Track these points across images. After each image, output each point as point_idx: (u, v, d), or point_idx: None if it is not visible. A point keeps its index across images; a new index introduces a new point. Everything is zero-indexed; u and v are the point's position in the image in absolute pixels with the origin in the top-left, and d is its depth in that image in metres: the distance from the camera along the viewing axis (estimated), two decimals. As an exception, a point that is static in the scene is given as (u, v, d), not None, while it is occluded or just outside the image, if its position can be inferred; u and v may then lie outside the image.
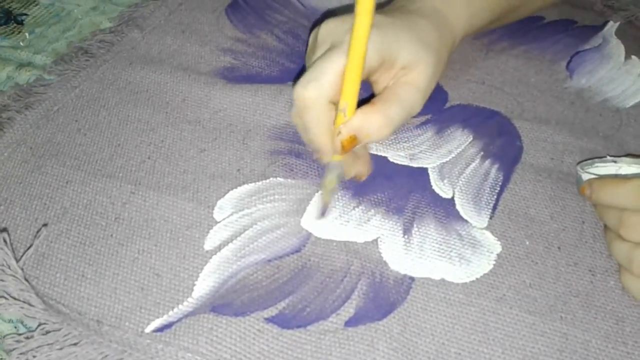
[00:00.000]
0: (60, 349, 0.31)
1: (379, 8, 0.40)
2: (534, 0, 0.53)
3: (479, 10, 0.45)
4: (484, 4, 0.46)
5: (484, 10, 0.46)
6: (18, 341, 0.31)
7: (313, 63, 0.36)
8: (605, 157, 0.43)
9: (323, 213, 0.38)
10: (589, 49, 0.53)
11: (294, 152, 0.42)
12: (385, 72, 0.38)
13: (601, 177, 0.39)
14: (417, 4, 0.42)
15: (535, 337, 0.33)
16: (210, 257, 0.36)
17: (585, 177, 0.40)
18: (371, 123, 0.35)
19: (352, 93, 0.34)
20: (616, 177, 0.38)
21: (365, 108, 0.36)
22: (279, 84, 0.48)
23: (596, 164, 0.40)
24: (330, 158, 0.37)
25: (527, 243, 0.38)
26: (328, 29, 0.38)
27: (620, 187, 0.35)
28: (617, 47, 0.53)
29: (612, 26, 0.55)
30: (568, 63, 0.51)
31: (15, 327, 0.33)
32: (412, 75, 0.38)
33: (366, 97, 0.39)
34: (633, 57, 0.52)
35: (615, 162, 0.40)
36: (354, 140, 0.35)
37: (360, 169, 0.40)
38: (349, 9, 0.33)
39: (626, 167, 0.39)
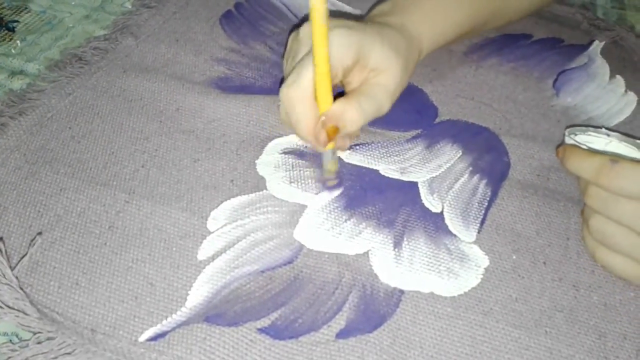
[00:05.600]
0: (55, 358, 0.32)
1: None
2: (505, 15, 0.55)
3: (443, 29, 0.49)
4: (448, 23, 0.49)
5: (448, 29, 0.49)
6: (13, 350, 0.31)
7: (296, 65, 0.41)
8: (601, 128, 0.44)
9: (330, 188, 0.42)
10: (575, 67, 0.54)
11: (287, 164, 0.43)
12: (357, 73, 0.42)
13: (575, 145, 0.41)
14: (385, 18, 0.46)
15: (521, 351, 0.34)
16: (204, 267, 0.37)
17: (568, 141, 0.42)
18: (348, 114, 0.40)
19: (324, 91, 0.39)
20: (596, 150, 0.40)
21: (341, 100, 0.40)
22: (272, 95, 0.48)
23: (589, 132, 0.42)
24: (320, 147, 0.41)
25: (514, 258, 0.39)
26: (306, 32, 0.43)
27: (584, 161, 0.38)
28: (602, 67, 0.54)
29: (597, 45, 0.56)
30: (554, 81, 0.53)
31: (11, 341, 0.33)
32: (381, 77, 0.42)
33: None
34: (617, 76, 0.53)
35: (608, 135, 0.42)
36: (335, 130, 0.40)
37: (342, 142, 0.44)
38: (338, 15, 0.35)
39: (616, 142, 0.41)
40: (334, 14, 0.39)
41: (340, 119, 0.40)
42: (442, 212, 0.41)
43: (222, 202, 0.40)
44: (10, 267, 0.35)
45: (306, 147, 0.44)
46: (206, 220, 0.39)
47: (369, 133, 0.46)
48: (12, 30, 0.55)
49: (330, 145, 0.41)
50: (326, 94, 0.39)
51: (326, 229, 0.39)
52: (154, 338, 0.33)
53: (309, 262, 0.37)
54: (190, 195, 0.41)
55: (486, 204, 0.42)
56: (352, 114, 0.40)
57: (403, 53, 0.43)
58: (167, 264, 0.37)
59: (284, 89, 0.40)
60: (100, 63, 0.50)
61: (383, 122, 0.47)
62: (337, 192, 0.42)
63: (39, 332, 0.33)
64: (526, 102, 0.51)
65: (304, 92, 0.39)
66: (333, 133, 0.40)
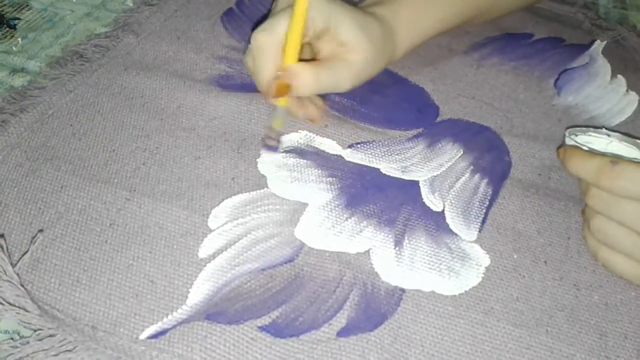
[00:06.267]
0: (56, 355, 0.32)
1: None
2: (496, 9, 0.56)
3: (427, 24, 0.49)
4: (433, 20, 0.50)
5: (433, 24, 0.50)
6: (14, 347, 0.31)
7: (272, 15, 0.43)
8: (602, 128, 0.44)
9: (267, 147, 0.44)
10: (577, 67, 0.54)
11: (288, 163, 0.43)
12: (327, 43, 0.44)
13: (576, 146, 0.41)
14: (370, 9, 0.47)
15: (522, 350, 0.34)
16: (205, 265, 0.36)
17: (569, 142, 0.42)
18: (302, 76, 0.41)
19: (292, 46, 0.41)
20: (597, 151, 0.41)
21: (303, 63, 0.42)
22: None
23: (590, 133, 0.43)
24: (272, 100, 0.42)
25: (515, 257, 0.39)
26: None
27: (584, 163, 0.38)
28: (603, 66, 0.54)
29: (599, 45, 0.56)
30: (556, 80, 0.53)
31: (12, 338, 0.33)
32: (349, 55, 0.43)
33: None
34: (619, 76, 0.53)
35: (608, 135, 0.42)
36: (286, 87, 0.41)
37: (312, 112, 0.46)
38: None
39: (617, 142, 0.41)
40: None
41: (295, 79, 0.41)
42: (443, 211, 0.41)
43: (223, 200, 0.40)
44: (11, 264, 0.35)
45: (308, 145, 0.44)
46: (207, 218, 0.39)
47: (369, 132, 0.46)
48: (14, 27, 0.55)
49: (282, 102, 0.43)
50: (293, 49, 0.41)
51: (327, 228, 0.39)
52: (154, 335, 0.33)
53: (310, 261, 0.37)
54: (191, 193, 0.41)
55: (487, 203, 0.42)
56: (306, 79, 0.41)
57: (376, 40, 0.44)
58: (168, 262, 0.37)
59: (257, 33, 0.42)
60: (101, 60, 0.50)
61: (384, 120, 0.47)
62: (273, 154, 0.43)
63: (40, 329, 0.33)
64: (527, 102, 0.51)
65: (275, 40, 0.41)
66: (283, 89, 0.41)
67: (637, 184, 0.35)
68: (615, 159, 0.36)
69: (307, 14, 0.40)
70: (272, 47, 0.41)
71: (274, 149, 0.43)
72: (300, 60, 0.42)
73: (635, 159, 0.40)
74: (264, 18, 0.56)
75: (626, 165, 0.36)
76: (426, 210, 0.41)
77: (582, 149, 0.40)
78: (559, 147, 0.44)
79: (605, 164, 0.36)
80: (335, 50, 0.43)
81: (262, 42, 0.41)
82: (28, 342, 0.32)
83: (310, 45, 0.45)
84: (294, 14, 0.40)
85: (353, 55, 0.43)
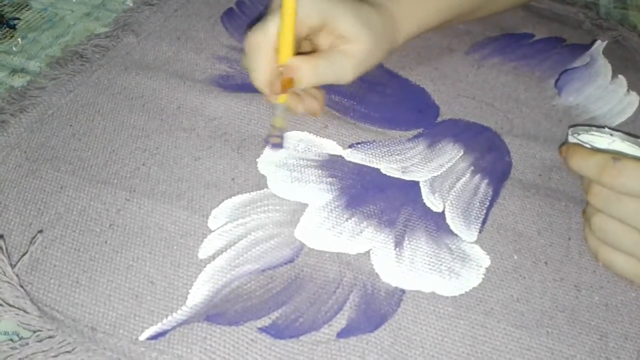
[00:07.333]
0: (55, 356, 0.31)
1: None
2: (493, 4, 0.56)
3: (425, 14, 0.49)
4: (431, 9, 0.50)
5: (431, 14, 0.50)
6: (13, 348, 0.31)
7: (266, 13, 0.43)
8: (604, 127, 0.44)
9: (272, 145, 0.44)
10: (577, 67, 0.54)
11: (288, 163, 0.43)
12: (325, 37, 0.44)
13: (579, 145, 0.41)
14: None
15: (522, 351, 0.34)
16: (205, 266, 0.36)
17: (571, 140, 0.42)
18: (301, 68, 0.42)
19: (286, 43, 0.41)
20: (600, 149, 0.41)
21: (300, 56, 0.42)
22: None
23: (592, 132, 0.43)
24: (272, 97, 0.43)
25: (515, 258, 0.39)
26: None
27: (587, 160, 0.38)
28: (604, 66, 0.54)
29: (599, 45, 0.56)
30: (556, 80, 0.53)
31: (11, 340, 0.33)
32: (347, 46, 0.43)
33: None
34: (620, 76, 0.53)
35: (611, 134, 0.42)
36: (290, 82, 0.42)
37: (311, 105, 0.46)
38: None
39: (619, 142, 0.42)
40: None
41: (294, 73, 0.41)
42: (443, 212, 0.41)
43: (223, 200, 0.40)
44: (10, 265, 0.35)
45: (308, 146, 0.44)
46: (207, 218, 0.39)
47: (370, 132, 0.46)
48: (13, 27, 0.55)
49: (282, 99, 0.43)
50: (287, 46, 0.41)
51: (327, 228, 0.39)
52: (154, 337, 0.33)
53: (310, 262, 0.37)
54: (191, 193, 0.41)
55: (487, 203, 0.42)
56: (305, 72, 0.42)
57: (376, 29, 0.44)
58: (167, 263, 0.37)
59: (250, 34, 0.42)
60: (101, 61, 0.50)
61: (384, 120, 0.47)
62: (279, 152, 0.44)
63: (39, 331, 0.33)
64: (528, 102, 0.51)
65: (267, 40, 0.42)
66: (287, 85, 0.42)
67: (639, 181, 0.35)
68: (618, 155, 0.36)
69: (295, 11, 0.40)
70: (265, 46, 0.42)
71: (278, 146, 0.44)
72: (299, 54, 0.43)
73: (638, 157, 0.39)
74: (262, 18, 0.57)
75: (628, 162, 0.36)
76: (426, 210, 0.41)
77: (584, 146, 0.40)
78: (561, 145, 0.44)
79: (607, 160, 0.36)
80: (334, 42, 0.44)
81: (255, 42, 0.42)
82: (27, 344, 0.32)
83: (310, 41, 0.45)
84: (282, 12, 0.40)
85: (353, 46, 0.43)
